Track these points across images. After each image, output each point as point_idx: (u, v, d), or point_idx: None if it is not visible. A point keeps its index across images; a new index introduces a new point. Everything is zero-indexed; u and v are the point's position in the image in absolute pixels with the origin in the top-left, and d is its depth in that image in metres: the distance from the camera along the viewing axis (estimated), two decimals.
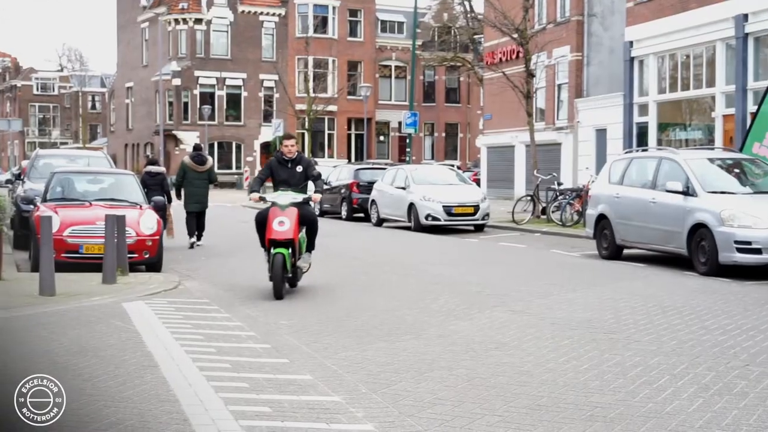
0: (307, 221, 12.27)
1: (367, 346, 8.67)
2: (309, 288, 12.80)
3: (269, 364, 7.79)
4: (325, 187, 33.87)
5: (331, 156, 63.76)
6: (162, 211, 16.56)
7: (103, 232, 13.21)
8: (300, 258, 12.23)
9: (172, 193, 20.17)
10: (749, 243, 14.28)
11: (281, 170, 12.49)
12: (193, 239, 19.87)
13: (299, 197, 12.16)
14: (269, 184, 13.10)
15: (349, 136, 67.37)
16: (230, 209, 34.81)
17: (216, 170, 22.48)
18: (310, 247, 12.55)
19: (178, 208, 20.14)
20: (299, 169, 12.48)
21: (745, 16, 24.59)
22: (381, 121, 68.95)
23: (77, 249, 14.33)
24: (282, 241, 11.74)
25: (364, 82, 61.35)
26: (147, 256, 14.80)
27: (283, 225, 11.74)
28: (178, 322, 9.95)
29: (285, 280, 11.91)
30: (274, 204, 12.05)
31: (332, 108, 61.81)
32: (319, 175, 12.90)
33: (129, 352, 8.24)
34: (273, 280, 11.74)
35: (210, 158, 21.38)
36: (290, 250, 11.84)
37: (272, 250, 11.75)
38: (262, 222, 12.15)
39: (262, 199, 12.34)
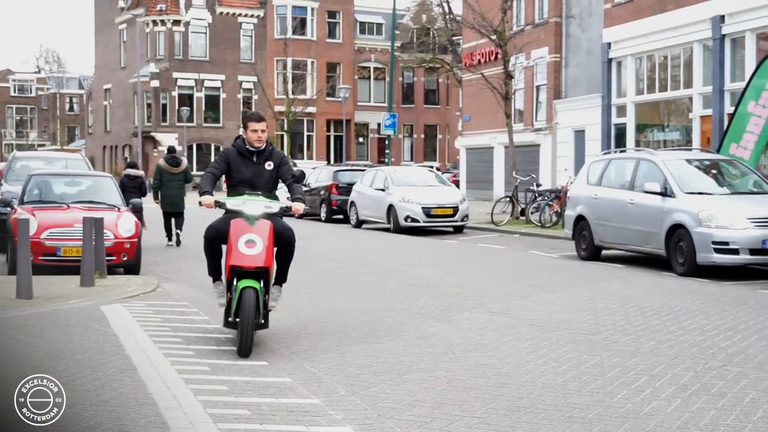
0: (283, 242, 8.66)
1: (346, 348, 8.66)
2: (287, 290, 12.76)
3: (248, 367, 7.77)
4: (303, 189, 34.10)
5: (310, 158, 63.73)
6: (140, 212, 16.54)
7: (80, 234, 13.13)
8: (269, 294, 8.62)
9: (150, 196, 20.63)
10: (727, 243, 14.36)
11: (244, 166, 8.78)
12: (171, 243, 20.35)
13: (274, 206, 8.55)
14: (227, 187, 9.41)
15: (328, 137, 67.35)
16: (209, 211, 34.63)
17: (195, 172, 23.07)
18: (282, 278, 9.00)
19: (154, 211, 20.46)
20: (269, 166, 8.82)
21: (722, 18, 24.74)
22: (360, 122, 68.98)
23: (55, 252, 14.25)
24: (252, 270, 8.20)
25: (343, 83, 61.39)
26: (125, 258, 14.73)
27: (254, 246, 8.17)
28: (156, 325, 9.90)
29: (256, 326, 8.33)
30: (238, 214, 8.41)
31: (311, 109, 61.82)
32: (302, 175, 9.39)
33: (107, 356, 8.19)
34: (240, 328, 8.17)
35: (184, 159, 22.04)
36: (262, 283, 8.31)
37: (236, 283, 8.25)
38: (217, 239, 8.67)
39: (219, 205, 8.59)
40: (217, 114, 65.83)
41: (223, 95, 65.91)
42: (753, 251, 14.37)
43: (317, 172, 32.98)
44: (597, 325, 9.87)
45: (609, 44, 30.49)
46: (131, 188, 19.32)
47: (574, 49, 36.10)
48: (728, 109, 23.83)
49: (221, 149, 9.73)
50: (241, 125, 8.60)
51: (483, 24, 29.87)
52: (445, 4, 56.34)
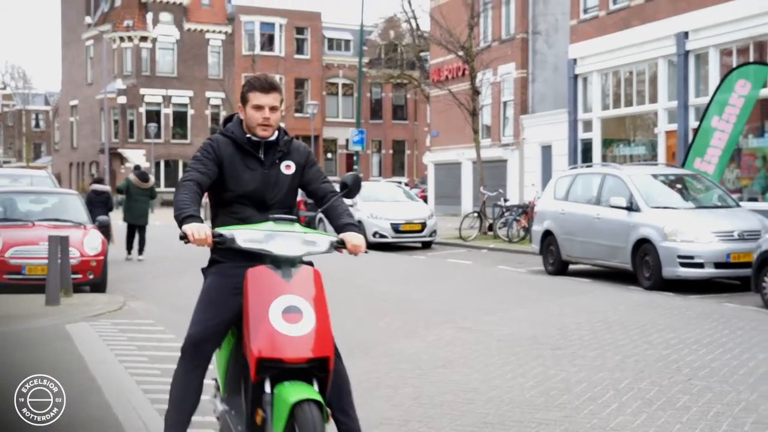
0: None
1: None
2: None
3: (214, 386, 7.71)
4: None
5: None
6: (107, 228, 16.50)
7: (46, 252, 13.03)
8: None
9: (117, 211, 21.20)
10: (692, 257, 14.50)
11: (245, 168, 5.09)
12: (131, 256, 21.06)
13: (319, 240, 4.89)
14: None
15: None
16: (177, 228, 34.55)
17: (163, 188, 24.12)
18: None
19: (121, 229, 20.88)
20: (288, 168, 5.19)
21: (686, 34, 24.99)
22: (328, 138, 68.98)
23: (20, 270, 14.13)
24: (302, 366, 4.53)
25: (311, 99, 61.41)
26: (91, 276, 14.62)
27: (299, 319, 4.57)
28: (122, 344, 9.84)
29: None
30: (258, 259, 4.76)
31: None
32: (356, 182, 5.32)
33: (73, 376, 8.12)
34: None
35: (152, 177, 23.06)
36: (319, 388, 4.57)
37: (271, 389, 4.52)
38: (226, 307, 4.98)
39: (220, 242, 4.73)
40: (185, 130, 65.63)
41: (191, 111, 65.74)
42: (717, 265, 14.52)
43: None
44: (564, 340, 9.91)
45: (575, 60, 30.68)
46: (98, 204, 19.90)
47: (541, 65, 36.32)
48: (693, 124, 24.04)
49: (205, 141, 5.22)
50: (239, 101, 5.11)
51: (450, 40, 30.00)
52: (412, 21, 56.47)
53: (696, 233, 14.72)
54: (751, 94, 19.47)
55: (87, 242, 14.68)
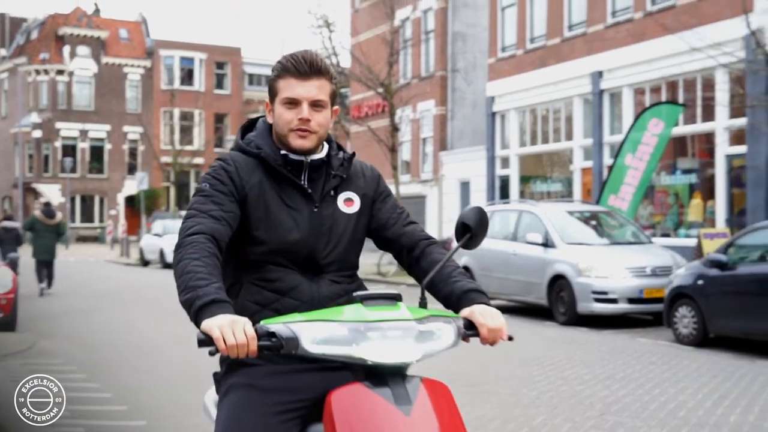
0: None
1: None
2: (166, 342, 12.54)
3: (127, 428, 7.57)
4: None
5: None
6: (15, 264, 16.23)
7: None
8: None
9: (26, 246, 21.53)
10: (606, 293, 14.71)
11: (279, 204, 3.08)
12: (43, 285, 21.08)
13: (441, 329, 2.96)
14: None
15: None
16: (92, 264, 33.99)
17: (79, 224, 24.10)
18: None
19: (30, 265, 21.25)
20: (349, 204, 3.24)
21: (600, 73, 25.50)
22: None
23: None
24: None
25: (231, 134, 61.10)
26: (1, 315, 14.26)
27: None
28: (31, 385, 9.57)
29: None
30: (345, 371, 2.78)
31: (199, 161, 61.29)
32: (475, 231, 3.22)
33: None
34: None
35: (60, 213, 23.10)
36: None
37: None
38: None
39: (270, 347, 2.64)
40: (102, 165, 64.70)
41: (108, 146, 64.88)
42: (631, 300, 14.75)
43: None
44: (479, 376, 9.93)
45: (493, 98, 31.10)
46: (7, 240, 19.98)
47: (460, 102, 36.73)
48: (607, 161, 24.49)
49: (213, 163, 3.11)
50: (268, 97, 3.23)
51: (370, 77, 30.16)
52: (333, 57, 56.81)
53: (610, 269, 14.94)
54: (664, 133, 19.93)
55: None
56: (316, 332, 2.64)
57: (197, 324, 2.64)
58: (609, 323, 14.96)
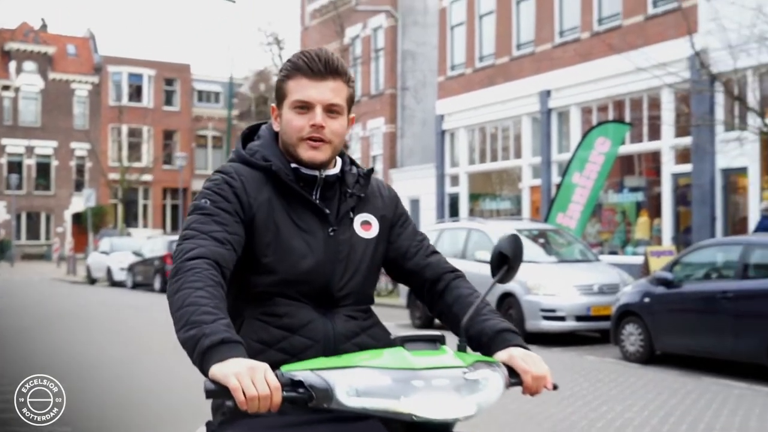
0: None
1: (192, 427, 8.41)
2: (112, 362, 12.38)
3: None
4: (138, 259, 32.87)
5: (145, 226, 62.52)
6: None
7: None
8: None
9: None
10: (554, 311, 14.80)
11: (290, 226, 2.67)
12: None
13: (489, 378, 2.40)
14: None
15: (164, 206, 66.28)
16: (38, 283, 33.53)
17: (24, 241, 23.08)
18: None
19: None
20: (366, 227, 2.82)
21: (548, 93, 25.73)
22: (197, 190, 68.18)
23: None
24: None
25: (180, 151, 60.69)
26: None
27: None
28: None
29: None
30: (409, 428, 2.33)
31: (147, 178, 60.87)
32: (512, 262, 2.80)
33: None
34: None
35: (2, 230, 22.39)
36: None
37: None
38: None
39: (296, 402, 2.24)
40: (48, 181, 63.89)
41: (55, 162, 64.10)
42: (579, 317, 14.86)
43: (152, 242, 32.50)
44: None
45: (442, 116, 31.24)
46: None
47: (410, 120, 36.85)
48: (556, 179, 24.69)
49: (213, 176, 2.81)
50: (274, 97, 2.79)
51: None
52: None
53: (558, 287, 15.04)
54: (611, 151, 20.15)
55: None
56: (354, 382, 2.20)
57: (203, 368, 2.23)
58: (557, 341, 15.04)
